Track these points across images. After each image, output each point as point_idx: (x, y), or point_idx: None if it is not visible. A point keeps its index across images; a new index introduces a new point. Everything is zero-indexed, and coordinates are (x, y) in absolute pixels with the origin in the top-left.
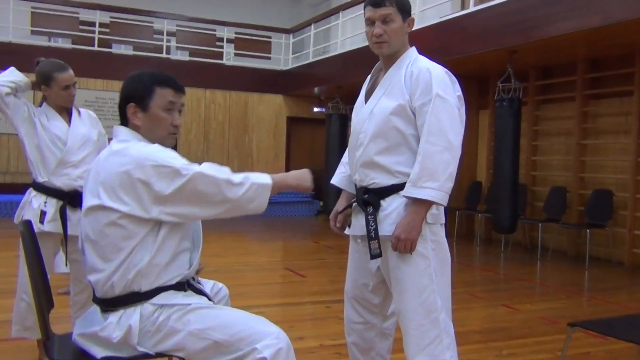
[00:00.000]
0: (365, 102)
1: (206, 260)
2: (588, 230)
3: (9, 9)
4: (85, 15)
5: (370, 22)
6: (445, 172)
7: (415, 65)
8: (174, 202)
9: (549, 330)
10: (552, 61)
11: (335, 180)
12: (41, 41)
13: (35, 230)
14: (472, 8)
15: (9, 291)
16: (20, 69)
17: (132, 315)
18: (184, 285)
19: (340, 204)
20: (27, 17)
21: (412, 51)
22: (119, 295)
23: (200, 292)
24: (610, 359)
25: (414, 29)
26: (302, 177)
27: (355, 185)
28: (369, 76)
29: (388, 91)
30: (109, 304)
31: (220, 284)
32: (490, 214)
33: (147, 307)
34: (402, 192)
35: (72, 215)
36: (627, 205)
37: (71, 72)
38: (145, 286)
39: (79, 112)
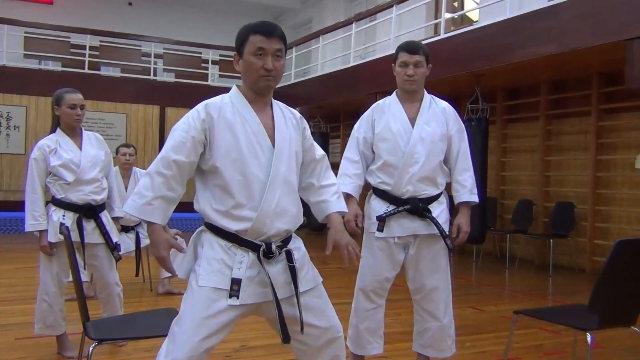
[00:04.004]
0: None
1: None
2: (552, 240)
3: (4, 34)
4: (76, 39)
5: (404, 64)
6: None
7: (440, 102)
8: None
9: (508, 327)
10: (517, 83)
11: (349, 189)
12: (32, 64)
13: (56, 240)
14: (442, 35)
15: (17, 298)
16: (13, 90)
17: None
18: (237, 239)
19: (356, 208)
20: (20, 42)
21: (425, 91)
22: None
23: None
24: (559, 349)
25: (390, 53)
26: (156, 248)
27: (400, 196)
28: (386, 103)
29: (428, 121)
30: None
31: None
32: None
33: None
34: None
35: (87, 225)
36: (587, 217)
37: (79, 95)
38: (205, 212)
39: (88, 136)
